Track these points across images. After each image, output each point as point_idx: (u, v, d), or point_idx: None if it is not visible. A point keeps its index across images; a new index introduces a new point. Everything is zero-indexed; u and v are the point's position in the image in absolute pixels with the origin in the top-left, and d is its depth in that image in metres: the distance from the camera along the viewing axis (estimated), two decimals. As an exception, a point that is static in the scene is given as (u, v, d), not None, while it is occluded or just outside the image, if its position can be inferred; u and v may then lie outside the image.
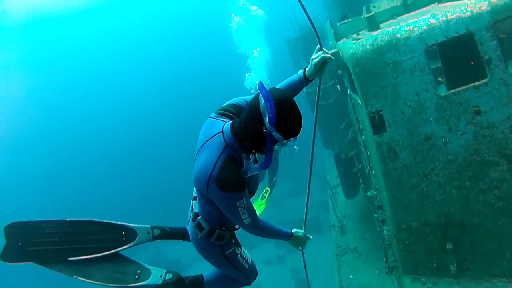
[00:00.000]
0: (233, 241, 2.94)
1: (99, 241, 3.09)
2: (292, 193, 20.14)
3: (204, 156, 2.33)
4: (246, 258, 3.05)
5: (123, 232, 3.16)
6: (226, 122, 2.41)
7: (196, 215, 2.77)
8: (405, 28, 4.30)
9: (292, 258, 15.87)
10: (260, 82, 2.15)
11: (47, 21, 33.31)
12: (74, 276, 2.90)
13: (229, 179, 2.22)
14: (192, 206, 2.86)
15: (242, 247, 3.05)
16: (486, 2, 4.00)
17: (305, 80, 2.56)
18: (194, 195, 2.85)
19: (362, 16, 5.95)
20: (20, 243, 2.87)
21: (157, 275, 3.11)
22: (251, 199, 2.58)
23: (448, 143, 4.10)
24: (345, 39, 5.61)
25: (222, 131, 2.35)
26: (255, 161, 2.41)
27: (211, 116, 2.51)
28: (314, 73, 2.52)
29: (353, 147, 7.22)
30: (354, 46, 4.60)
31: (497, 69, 3.90)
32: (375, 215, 5.80)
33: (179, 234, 3.36)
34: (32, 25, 31.93)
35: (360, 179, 7.49)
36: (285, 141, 2.12)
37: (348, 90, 6.40)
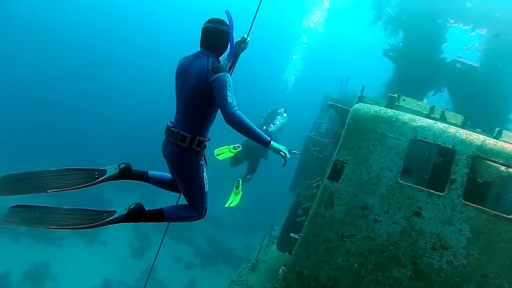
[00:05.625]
0: (204, 158, 3.66)
1: (76, 179, 3.52)
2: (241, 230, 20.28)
3: (195, 67, 3.37)
4: (207, 181, 3.68)
5: (95, 172, 3.60)
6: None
7: (176, 133, 3.47)
8: (409, 116, 4.60)
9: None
10: (228, 11, 3.44)
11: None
12: (47, 227, 3.25)
13: (220, 65, 3.37)
14: (168, 133, 3.56)
15: None
16: (482, 138, 4.30)
17: (232, 56, 3.78)
18: (170, 126, 3.58)
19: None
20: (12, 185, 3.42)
21: (121, 210, 3.51)
22: None
23: (377, 222, 4.26)
24: (363, 104, 5.94)
25: (199, 54, 3.50)
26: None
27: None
28: (237, 48, 3.87)
29: (311, 201, 7.36)
30: (361, 105, 4.90)
31: (454, 192, 4.12)
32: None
33: (140, 176, 3.86)
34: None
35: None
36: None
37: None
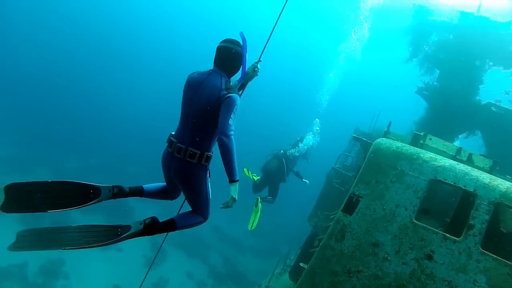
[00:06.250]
0: (208, 171, 3.76)
1: (73, 197, 3.64)
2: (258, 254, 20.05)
3: (209, 85, 3.47)
4: (210, 189, 3.82)
5: (91, 190, 3.72)
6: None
7: (185, 150, 3.53)
8: (431, 155, 4.47)
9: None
10: (242, 33, 3.59)
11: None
12: (63, 248, 3.31)
13: (232, 86, 3.49)
14: (174, 148, 3.59)
15: None
16: (508, 185, 4.10)
17: (243, 77, 3.86)
18: (175, 141, 3.61)
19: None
20: (14, 199, 3.49)
21: (137, 225, 3.58)
22: None
23: (386, 261, 4.11)
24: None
25: (212, 72, 3.58)
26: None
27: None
28: (248, 75, 3.94)
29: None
30: (384, 140, 4.81)
31: (472, 238, 3.92)
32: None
33: (136, 192, 3.98)
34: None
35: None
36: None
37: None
